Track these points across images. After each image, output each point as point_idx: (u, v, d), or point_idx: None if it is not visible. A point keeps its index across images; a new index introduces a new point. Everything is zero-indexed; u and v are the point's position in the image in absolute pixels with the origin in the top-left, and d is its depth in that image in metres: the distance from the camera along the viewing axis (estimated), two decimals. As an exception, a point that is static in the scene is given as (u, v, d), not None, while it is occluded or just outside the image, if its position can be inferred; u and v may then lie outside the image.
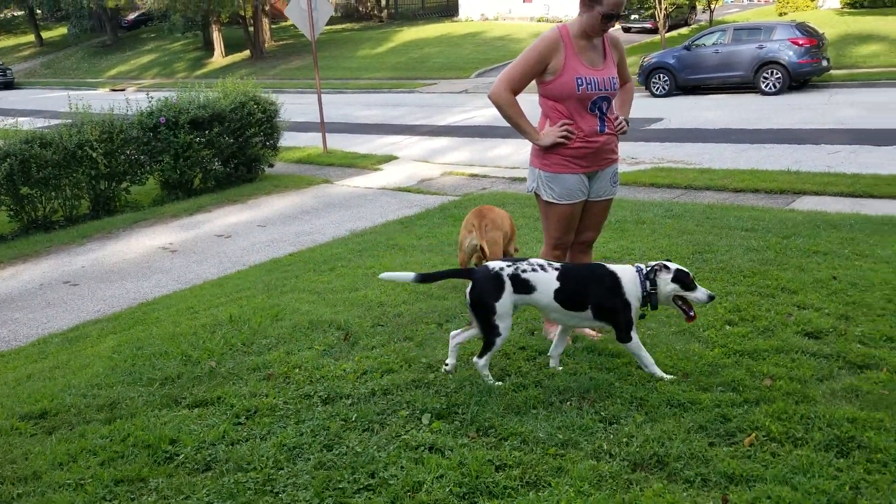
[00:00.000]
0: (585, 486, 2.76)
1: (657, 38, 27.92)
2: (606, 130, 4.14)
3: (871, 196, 8.46)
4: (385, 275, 3.89)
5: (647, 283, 3.64)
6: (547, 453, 3.04)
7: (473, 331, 3.80)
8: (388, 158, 13.50)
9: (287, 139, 14.00)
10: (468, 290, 3.66)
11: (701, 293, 3.65)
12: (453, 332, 3.91)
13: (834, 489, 2.67)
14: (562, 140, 4.02)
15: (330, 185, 11.86)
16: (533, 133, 4.11)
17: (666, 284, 3.64)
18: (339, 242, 8.02)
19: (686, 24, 31.75)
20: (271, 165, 12.84)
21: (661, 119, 15.70)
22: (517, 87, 4.07)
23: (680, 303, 3.69)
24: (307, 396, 3.74)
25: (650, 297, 3.65)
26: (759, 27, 19.00)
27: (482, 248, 5.29)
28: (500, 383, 3.71)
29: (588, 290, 3.67)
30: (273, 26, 44.31)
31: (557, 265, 3.72)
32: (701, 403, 3.40)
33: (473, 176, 11.52)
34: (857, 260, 5.80)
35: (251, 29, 39.37)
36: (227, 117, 11.79)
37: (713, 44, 18.98)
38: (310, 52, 14.42)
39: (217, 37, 40.67)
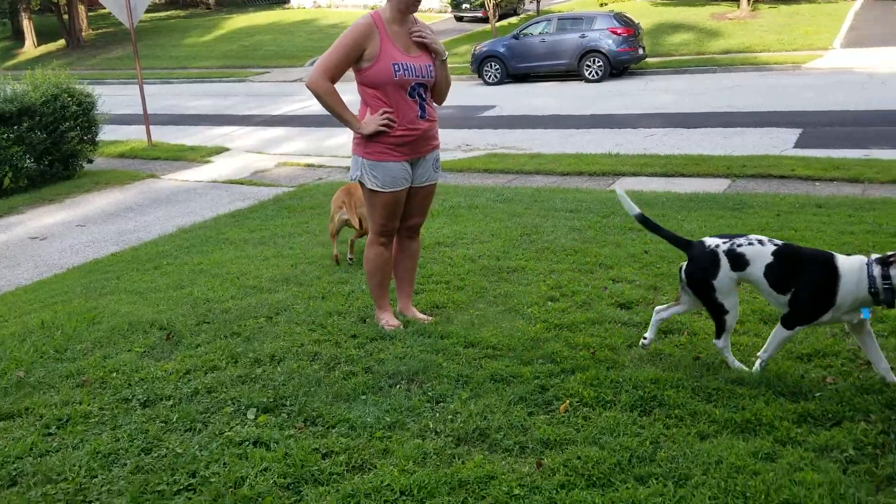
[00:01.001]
0: (410, 465, 2.82)
1: (488, 27, 28.65)
2: (427, 117, 4.21)
3: (682, 175, 9.12)
4: (619, 191, 3.85)
5: (879, 279, 3.15)
6: (374, 437, 3.07)
7: (678, 307, 3.75)
8: (219, 150, 13.05)
9: (109, 133, 13.21)
10: (684, 265, 3.61)
11: None
12: (658, 308, 3.82)
13: (636, 445, 2.88)
14: (383, 128, 4.05)
15: (156, 179, 11.31)
16: (354, 121, 4.11)
17: None
18: (166, 239, 7.67)
19: (515, 13, 32.79)
20: (90, 161, 12.05)
21: (493, 106, 16.16)
22: (334, 76, 4.05)
23: None
24: (125, 401, 3.56)
25: (886, 294, 3.14)
26: (581, 17, 19.99)
27: (353, 222, 5.71)
28: (744, 368, 3.53)
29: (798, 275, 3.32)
30: (90, 13, 41.50)
31: (778, 242, 3.42)
32: (522, 376, 3.56)
33: (309, 166, 11.37)
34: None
35: (66, 17, 36.68)
36: (37, 111, 10.95)
37: (539, 33, 19.77)
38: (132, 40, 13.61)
39: (28, 25, 37.59)
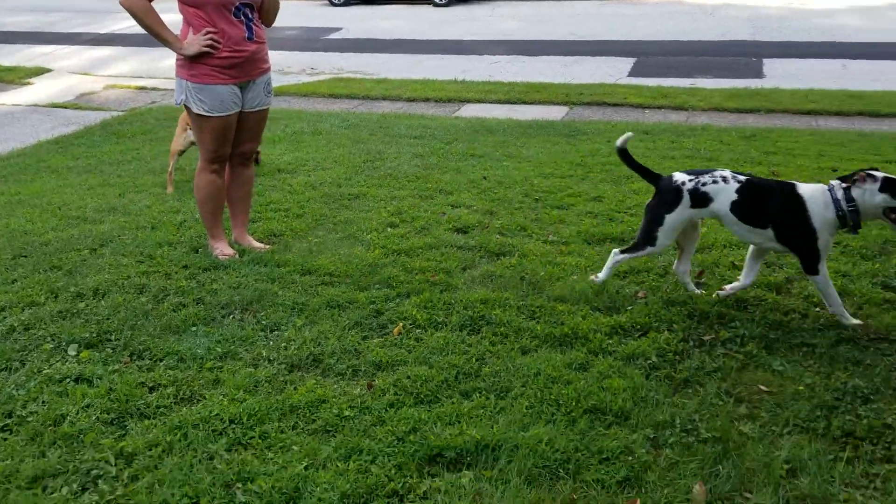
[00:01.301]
0: (240, 394, 2.82)
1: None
2: (255, 39, 4.06)
3: (524, 102, 9.33)
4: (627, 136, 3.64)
5: (843, 201, 3.17)
6: (204, 368, 3.04)
7: (686, 253, 3.68)
8: (41, 71, 11.95)
9: None
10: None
11: None
12: (677, 263, 3.72)
13: (463, 362, 3.02)
14: (207, 49, 3.86)
15: (-33, 102, 10.26)
16: (175, 42, 3.89)
17: (873, 196, 3.13)
18: (-22, 168, 7.03)
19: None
20: None
21: (340, 29, 15.73)
22: (151, -8, 3.80)
23: (894, 216, 3.17)
24: (-71, 343, 3.31)
25: (851, 216, 3.17)
26: (429, -62, 19.61)
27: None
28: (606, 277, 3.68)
29: (768, 206, 3.31)
30: None
31: (742, 178, 3.40)
32: (358, 302, 3.61)
33: (141, 89, 10.67)
34: (506, 161, 6.43)
35: None
36: None
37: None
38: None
39: None
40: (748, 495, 2.29)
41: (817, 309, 3.50)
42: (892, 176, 3.14)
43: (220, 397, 2.80)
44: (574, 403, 2.71)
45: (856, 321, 3.32)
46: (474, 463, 2.42)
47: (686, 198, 3.42)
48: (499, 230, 4.66)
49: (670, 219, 3.45)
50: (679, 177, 3.48)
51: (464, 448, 2.46)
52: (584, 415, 2.66)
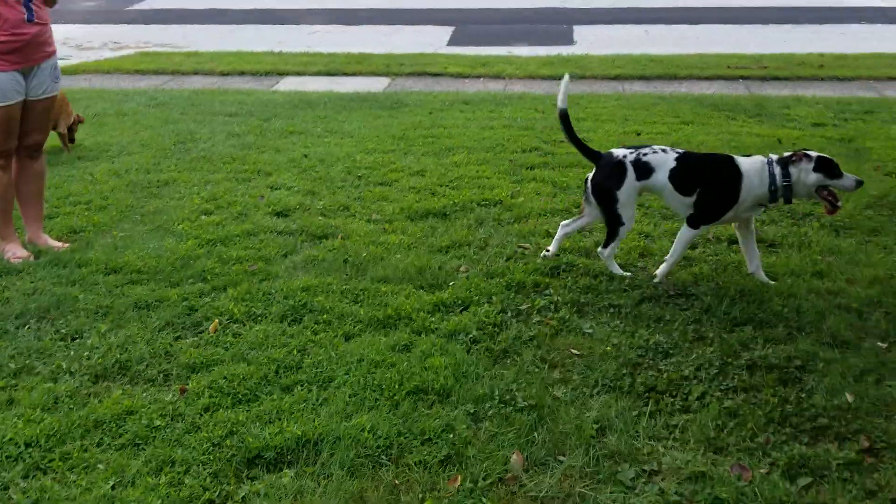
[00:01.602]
0: (37, 413, 2.59)
1: None
2: (35, 20, 3.71)
3: (345, 74, 9.19)
4: (566, 78, 3.71)
5: (779, 176, 3.34)
6: (-5, 388, 2.77)
7: (583, 220, 3.74)
8: None
9: None
10: (591, 175, 3.57)
11: (849, 180, 3.33)
12: (563, 222, 3.82)
13: (284, 355, 2.94)
14: (-21, 32, 3.48)
15: None
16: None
17: (808, 175, 3.31)
18: None
19: None
20: None
21: (146, -1, 14.77)
22: None
23: (825, 193, 3.34)
24: None
25: (785, 192, 3.34)
26: None
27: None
28: (629, 274, 3.62)
29: (704, 176, 3.45)
30: None
31: (679, 150, 3.54)
32: (169, 300, 3.42)
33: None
34: (328, 137, 6.31)
35: None
36: None
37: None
38: None
39: None
40: (562, 458, 2.39)
41: (624, 271, 3.70)
42: (825, 156, 3.35)
43: (14, 419, 2.56)
44: (397, 386, 2.71)
45: (660, 279, 3.59)
46: (296, 460, 2.37)
47: (630, 170, 3.52)
48: (321, 211, 4.57)
49: (623, 193, 3.53)
50: (619, 151, 3.58)
51: (284, 446, 2.40)
52: (407, 397, 2.67)
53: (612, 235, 3.60)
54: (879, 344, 2.98)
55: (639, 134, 6.28)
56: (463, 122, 6.77)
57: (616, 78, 8.86)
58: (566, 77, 3.73)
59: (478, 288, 3.51)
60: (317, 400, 2.66)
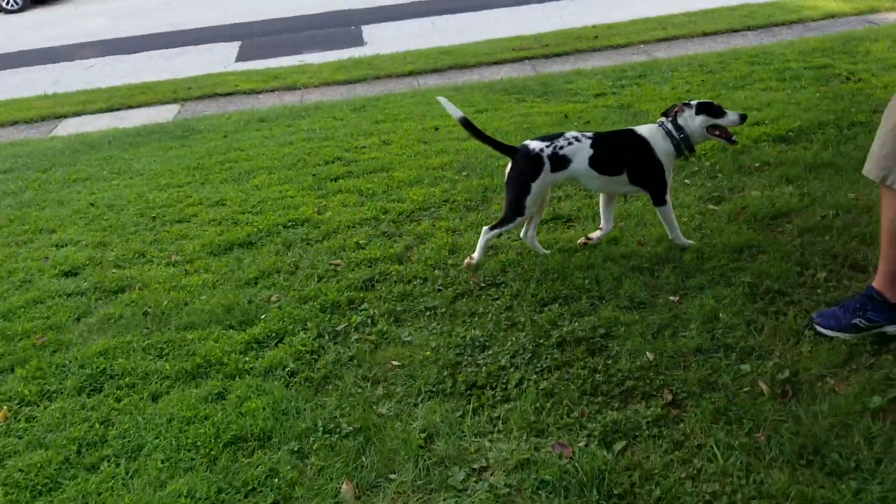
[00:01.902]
0: None
1: None
2: None
3: (129, 107, 8.68)
4: (441, 99, 3.77)
5: (675, 131, 3.54)
6: None
7: (535, 218, 3.75)
8: None
9: None
10: (508, 168, 3.59)
11: (732, 115, 3.56)
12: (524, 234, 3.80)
13: (85, 432, 2.71)
14: None
15: None
16: None
17: (693, 120, 3.53)
18: None
19: None
20: None
21: None
22: None
23: (717, 133, 3.56)
24: None
25: (684, 142, 3.56)
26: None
27: None
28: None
29: (621, 154, 3.58)
30: None
31: (589, 134, 3.61)
32: (-54, 395, 3.06)
33: None
34: (115, 179, 5.92)
35: None
36: None
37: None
38: None
39: None
40: (392, 476, 2.37)
41: (436, 271, 3.74)
42: (704, 101, 3.60)
43: None
44: (213, 440, 2.57)
45: (690, 241, 3.69)
46: (109, 547, 2.19)
47: (546, 164, 3.52)
48: (114, 263, 4.27)
49: (536, 186, 3.53)
50: (535, 144, 3.57)
51: (94, 535, 2.21)
52: (225, 449, 2.54)
53: (506, 221, 3.64)
54: (671, 298, 3.18)
55: (437, 129, 6.38)
56: (260, 142, 6.59)
57: (410, 74, 8.95)
58: (443, 99, 3.78)
59: (291, 316, 3.41)
60: (126, 474, 2.47)
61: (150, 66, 10.77)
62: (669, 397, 2.55)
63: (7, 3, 16.47)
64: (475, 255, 3.73)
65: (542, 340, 2.98)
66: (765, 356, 2.71)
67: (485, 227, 3.71)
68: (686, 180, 4.55)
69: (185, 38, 12.33)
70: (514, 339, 3.03)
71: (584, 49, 9.19)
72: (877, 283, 2.74)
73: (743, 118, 3.59)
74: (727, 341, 2.82)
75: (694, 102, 3.60)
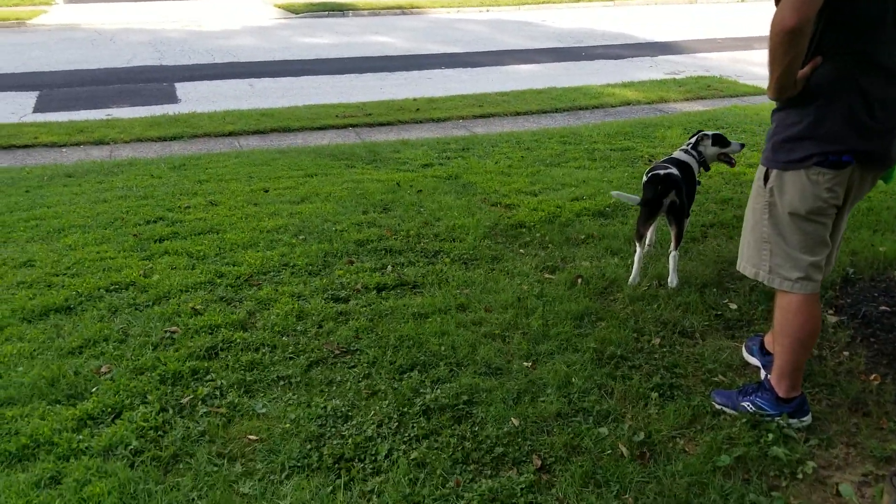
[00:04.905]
0: None
1: None
2: None
3: None
4: (617, 193, 4.28)
5: (697, 154, 4.34)
6: None
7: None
8: None
9: None
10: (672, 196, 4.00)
11: (735, 145, 4.44)
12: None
13: None
14: None
15: None
16: None
17: (708, 148, 4.39)
18: None
19: None
20: None
21: None
22: None
23: (723, 157, 4.44)
24: None
25: (703, 165, 4.37)
26: None
27: None
28: None
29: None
30: None
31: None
32: None
33: None
34: None
35: None
36: None
37: None
38: None
39: None
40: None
41: (284, 338, 3.60)
42: (718, 133, 4.45)
43: None
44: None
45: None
46: None
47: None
48: None
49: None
50: (663, 171, 4.07)
51: None
52: (67, 544, 2.25)
53: (682, 235, 4.15)
54: (525, 364, 3.29)
55: (266, 190, 6.25)
56: (70, 198, 6.08)
57: (231, 134, 8.73)
58: (618, 192, 4.33)
59: (127, 389, 3.13)
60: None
61: (-74, 109, 9.67)
62: (539, 462, 2.61)
63: None
64: (672, 279, 4.12)
65: (406, 409, 2.96)
66: (619, 419, 2.87)
67: (673, 253, 4.09)
68: (521, 250, 4.77)
69: (-29, 82, 11.24)
70: (377, 408, 2.97)
71: (406, 120, 9.47)
72: (771, 376, 2.90)
73: (742, 146, 4.51)
74: (583, 405, 2.95)
75: (710, 133, 4.47)
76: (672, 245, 4.12)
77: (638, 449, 2.67)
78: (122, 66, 12.54)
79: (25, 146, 8.12)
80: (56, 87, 11.09)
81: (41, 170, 7.06)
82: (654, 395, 3.02)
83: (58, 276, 4.40)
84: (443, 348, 3.43)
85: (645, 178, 4.22)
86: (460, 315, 3.80)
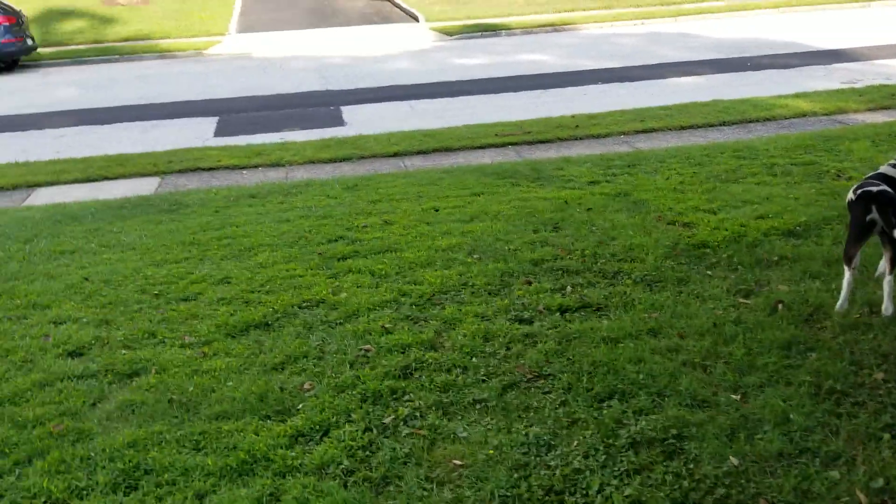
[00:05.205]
0: None
1: None
2: None
3: (107, 178, 8.45)
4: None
5: None
6: None
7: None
8: None
9: None
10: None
11: None
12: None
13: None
14: None
15: None
16: None
17: None
18: None
19: None
20: None
21: None
22: None
23: None
24: None
25: None
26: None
27: None
28: None
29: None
30: None
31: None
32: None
33: None
34: (106, 252, 5.67)
35: None
36: None
37: None
38: None
39: None
40: None
41: (474, 359, 3.60)
42: None
43: None
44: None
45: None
46: None
47: None
48: (122, 343, 4.01)
49: None
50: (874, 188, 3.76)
51: None
52: (296, 560, 2.32)
53: None
54: (733, 396, 3.11)
55: (437, 209, 6.33)
56: (255, 218, 6.43)
57: (396, 155, 8.95)
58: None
59: (332, 406, 3.22)
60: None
61: (124, 137, 10.57)
62: (765, 505, 2.44)
63: (-28, 69, 16.15)
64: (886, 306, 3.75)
65: (611, 440, 2.86)
66: (850, 462, 2.64)
67: (888, 277, 3.73)
68: (708, 271, 4.55)
69: (160, 111, 12.19)
70: (580, 437, 2.90)
71: (566, 137, 9.35)
72: None
73: None
74: (807, 445, 2.74)
75: None
76: (887, 269, 3.77)
77: (878, 497, 2.44)
78: (291, 92, 13.21)
79: (210, 168, 8.68)
80: (233, 113, 11.83)
81: (227, 191, 7.51)
82: (887, 436, 2.76)
83: (253, 293, 4.63)
84: (641, 376, 3.30)
85: (851, 196, 3.89)
86: (653, 341, 3.65)
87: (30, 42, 17.43)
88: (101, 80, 15.50)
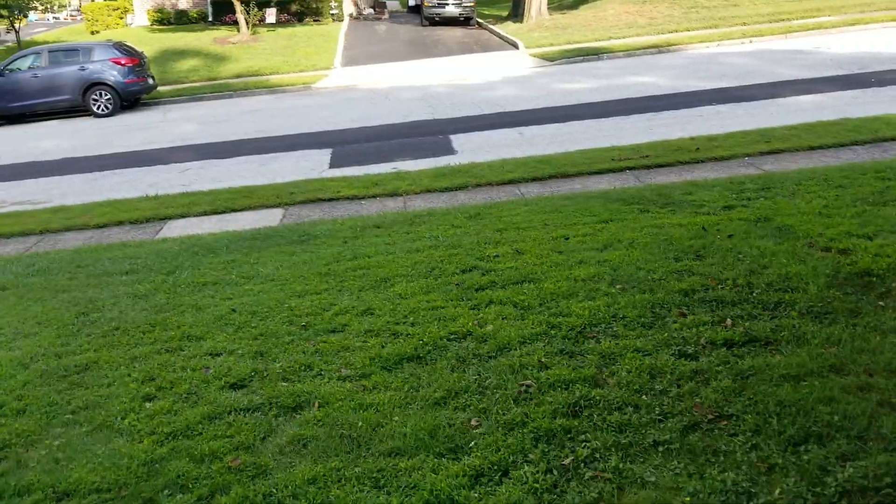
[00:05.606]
0: None
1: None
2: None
3: (233, 210, 8.71)
4: None
5: None
6: None
7: None
8: None
9: None
10: None
11: None
12: None
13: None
14: None
15: None
16: None
17: None
18: None
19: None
20: None
21: (-15, 153, 13.67)
22: None
23: None
24: None
25: None
26: (76, 48, 18.14)
27: None
28: None
29: None
30: None
31: None
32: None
33: None
34: (246, 284, 5.79)
35: None
36: None
37: (29, 67, 17.44)
38: None
39: None
40: None
41: (644, 397, 3.45)
42: None
43: None
44: None
45: None
46: None
47: None
48: (281, 375, 4.05)
49: None
50: None
51: None
52: None
53: None
54: (947, 442, 2.85)
55: (567, 238, 6.21)
56: (384, 248, 6.46)
57: (511, 182, 8.88)
58: None
59: (505, 445, 3.13)
60: None
61: (244, 169, 10.91)
62: None
63: (98, 108, 17.08)
64: None
65: (818, 489, 2.66)
66: None
67: None
68: (880, 302, 4.26)
69: (275, 144, 12.56)
70: (782, 485, 2.71)
71: (686, 160, 9.07)
72: None
73: None
74: None
75: None
76: None
77: None
78: (399, 122, 13.38)
79: (330, 199, 8.83)
80: (345, 144, 12.06)
81: (351, 221, 7.60)
82: None
83: (399, 324, 4.62)
84: (835, 417, 3.08)
85: None
86: (839, 378, 3.41)
87: (150, 81, 18.39)
88: (217, 115, 16.14)
